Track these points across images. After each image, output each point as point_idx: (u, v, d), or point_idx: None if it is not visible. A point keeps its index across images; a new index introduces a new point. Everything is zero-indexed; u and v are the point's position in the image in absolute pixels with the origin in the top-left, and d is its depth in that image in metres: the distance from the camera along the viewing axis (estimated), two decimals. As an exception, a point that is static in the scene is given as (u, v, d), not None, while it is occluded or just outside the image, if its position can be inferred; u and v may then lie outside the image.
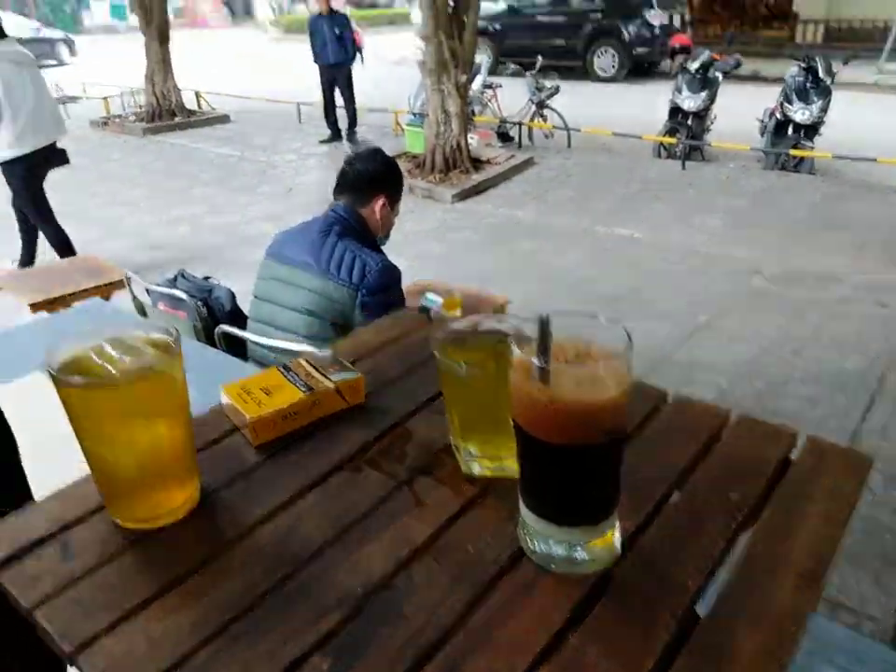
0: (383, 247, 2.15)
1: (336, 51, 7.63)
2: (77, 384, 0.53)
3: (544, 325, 0.49)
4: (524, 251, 4.94)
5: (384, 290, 1.91)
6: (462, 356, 0.61)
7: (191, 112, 9.66)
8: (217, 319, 2.23)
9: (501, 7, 16.43)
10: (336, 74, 7.80)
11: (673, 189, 6.07)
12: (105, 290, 3.19)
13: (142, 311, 2.48)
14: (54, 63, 18.48)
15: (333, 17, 7.64)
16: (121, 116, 9.70)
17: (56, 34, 19.47)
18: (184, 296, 2.27)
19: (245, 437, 0.70)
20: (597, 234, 5.25)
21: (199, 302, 2.24)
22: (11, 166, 4.02)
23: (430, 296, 2.51)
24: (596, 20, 12.71)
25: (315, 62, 7.83)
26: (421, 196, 6.22)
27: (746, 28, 16.72)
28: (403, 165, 6.82)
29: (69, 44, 19.54)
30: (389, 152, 6.81)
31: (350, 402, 0.75)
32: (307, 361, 0.77)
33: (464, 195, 6.16)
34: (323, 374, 0.75)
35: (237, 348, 2.06)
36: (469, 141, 6.79)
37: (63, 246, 4.39)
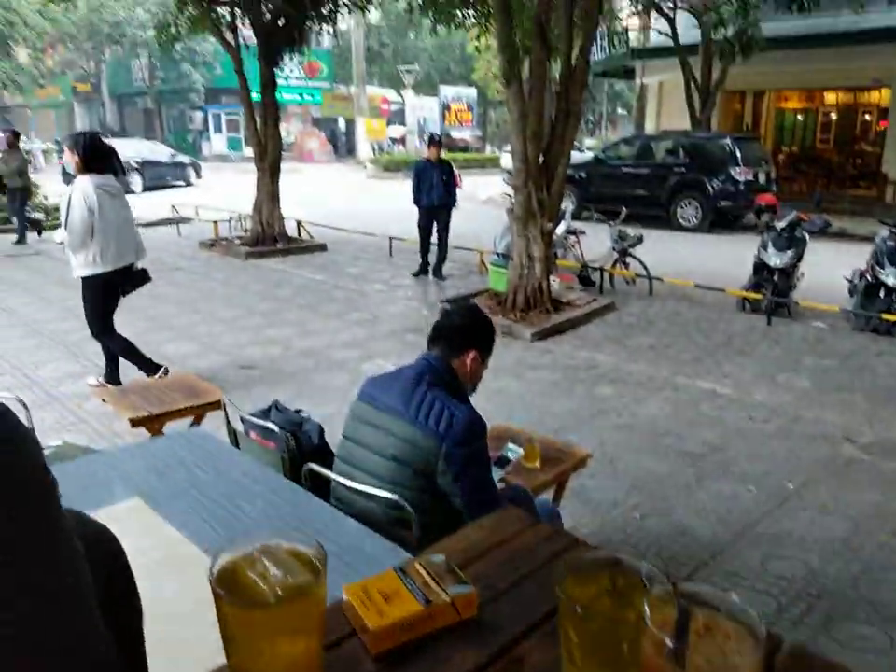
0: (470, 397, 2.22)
1: (441, 196, 8.14)
2: (234, 602, 0.58)
3: (684, 614, 0.50)
4: (602, 396, 4.92)
5: (468, 442, 1.95)
6: (583, 590, 0.62)
7: (292, 239, 10.43)
8: (304, 452, 2.33)
9: (587, 156, 17.37)
10: (437, 216, 8.28)
11: (758, 345, 6.00)
12: (201, 410, 3.36)
13: (234, 438, 2.60)
14: (182, 183, 21.00)
15: (441, 164, 8.23)
16: (227, 239, 10.56)
17: (185, 159, 22.12)
18: (275, 428, 2.38)
19: (363, 642, 0.73)
20: (678, 385, 5.19)
21: (289, 435, 2.34)
22: (90, 280, 4.42)
23: (511, 446, 2.54)
24: (680, 173, 13.20)
25: (417, 203, 8.28)
26: (501, 333, 6.35)
27: (832, 187, 16.94)
28: (485, 302, 7.09)
29: (196, 168, 22.18)
30: (473, 289, 7.13)
31: (463, 616, 0.78)
32: (422, 566, 0.80)
33: (543, 335, 6.27)
34: (439, 585, 0.78)
35: (322, 485, 2.13)
36: (551, 283, 7.00)
37: (112, 363, 4.70)
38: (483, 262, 8.60)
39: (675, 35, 14.99)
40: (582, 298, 7.19)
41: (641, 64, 19.06)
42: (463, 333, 2.17)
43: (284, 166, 10.48)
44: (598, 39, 18.25)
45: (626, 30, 17.78)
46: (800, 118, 19.80)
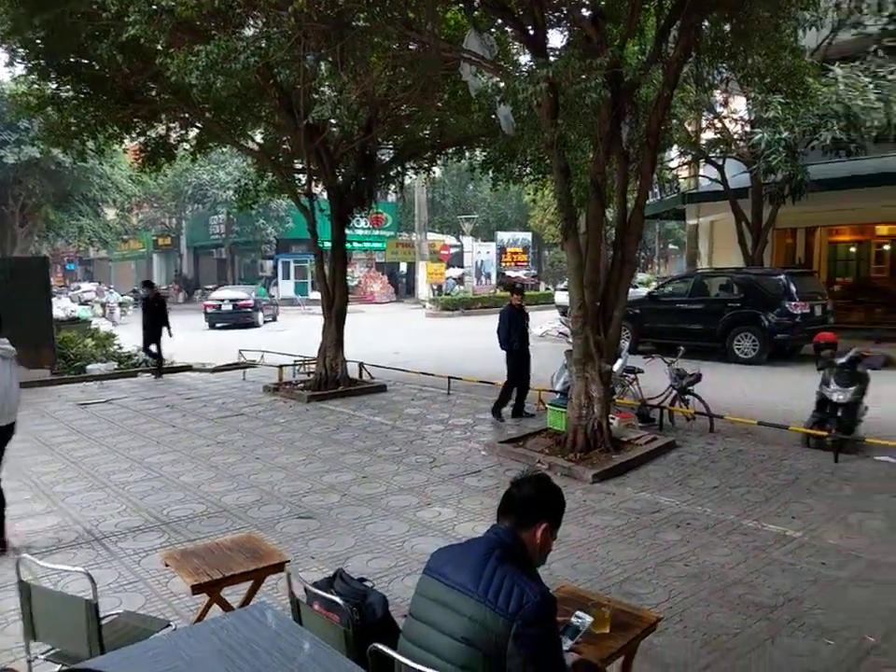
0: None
1: (523, 339, 8.57)
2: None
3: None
4: (667, 542, 4.83)
5: (540, 623, 1.91)
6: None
7: (353, 381, 10.81)
8: (368, 626, 2.30)
9: (641, 292, 17.77)
10: (524, 359, 8.60)
11: (826, 484, 5.84)
12: (263, 573, 3.35)
13: (297, 609, 2.56)
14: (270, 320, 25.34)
15: (522, 309, 8.70)
16: (291, 383, 11.01)
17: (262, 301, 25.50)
18: (339, 601, 2.35)
19: None
20: (747, 529, 5.06)
21: (353, 608, 2.32)
22: None
23: (580, 614, 2.53)
24: (735, 308, 13.35)
25: (509, 346, 8.55)
26: (560, 475, 6.38)
27: (891, 315, 16.69)
28: (544, 442, 7.17)
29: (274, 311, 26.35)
30: (532, 427, 7.24)
31: None
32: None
33: (604, 476, 6.25)
34: None
35: (388, 664, 2.07)
36: (611, 422, 7.06)
37: None
38: (542, 401, 8.75)
39: (724, 181, 15.68)
40: (643, 437, 7.18)
41: (692, 207, 19.81)
42: (534, 505, 2.14)
43: (347, 307, 11.04)
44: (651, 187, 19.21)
45: (677, 177, 18.66)
46: (853, 249, 19.92)
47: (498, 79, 6.91)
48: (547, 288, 33.52)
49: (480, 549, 2.06)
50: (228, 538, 3.97)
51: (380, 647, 2.08)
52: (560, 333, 9.28)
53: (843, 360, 7.05)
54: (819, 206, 15.03)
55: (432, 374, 11.03)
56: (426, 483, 6.18)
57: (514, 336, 8.47)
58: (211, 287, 33.69)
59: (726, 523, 5.19)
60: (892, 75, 12.31)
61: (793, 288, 12.82)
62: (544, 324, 19.52)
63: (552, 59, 6.53)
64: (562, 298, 20.91)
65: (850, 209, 16.36)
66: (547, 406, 7.81)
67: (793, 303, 12.67)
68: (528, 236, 36.43)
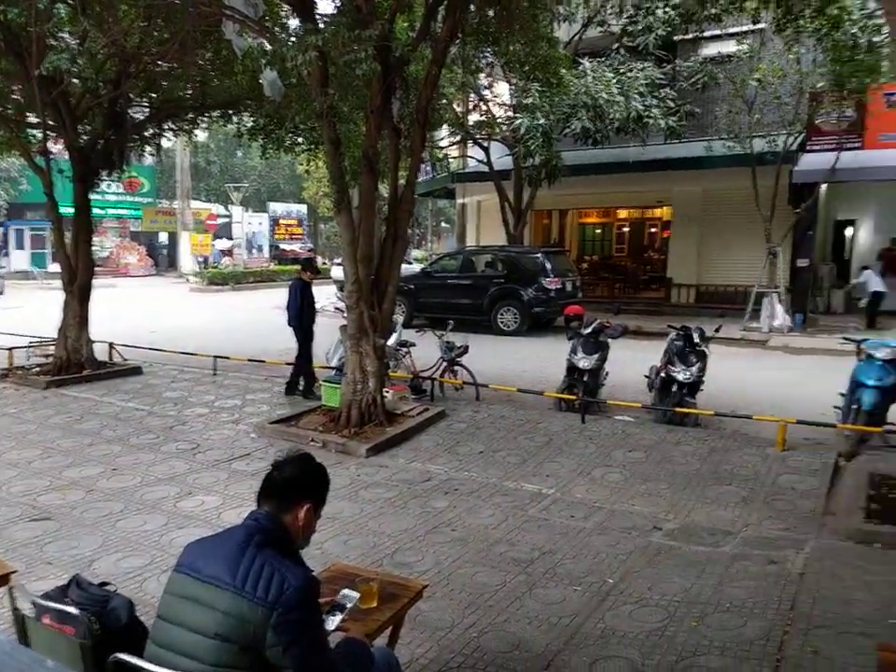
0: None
1: (313, 315, 8.40)
2: None
3: None
4: (436, 510, 4.99)
5: (300, 608, 1.85)
6: None
7: (101, 364, 9.64)
8: (111, 634, 2.05)
9: (415, 268, 18.29)
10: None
11: (575, 443, 6.45)
12: None
13: (22, 626, 2.21)
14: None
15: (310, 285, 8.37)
16: (24, 367, 9.58)
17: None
18: (73, 610, 2.07)
19: None
20: (508, 490, 5.42)
21: (91, 617, 2.04)
22: None
23: (346, 593, 2.49)
24: (499, 284, 14.29)
25: (296, 323, 8.23)
26: (335, 451, 6.32)
27: (628, 290, 19.10)
28: (318, 419, 7.04)
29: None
30: (306, 405, 6.99)
31: None
32: None
33: (378, 449, 6.30)
34: None
35: None
36: (385, 395, 7.13)
37: None
38: (316, 378, 8.58)
39: (489, 162, 16.57)
40: (416, 408, 7.36)
41: (461, 186, 20.73)
42: (296, 486, 2.08)
43: (96, 281, 9.84)
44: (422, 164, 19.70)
45: (447, 156, 19.37)
46: (598, 231, 22.36)
47: (265, 42, 6.52)
48: (324, 263, 33.10)
49: (237, 537, 1.95)
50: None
51: (121, 656, 1.89)
52: (336, 308, 9.16)
53: (588, 330, 7.83)
54: (571, 190, 16.59)
55: (195, 354, 10.29)
56: (188, 472, 5.74)
57: (306, 312, 8.21)
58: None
59: (490, 486, 5.50)
60: (632, 72, 13.86)
61: (549, 266, 14.02)
62: (320, 299, 19.22)
63: (321, 26, 6.30)
64: (338, 273, 20.77)
65: (596, 194, 18.30)
66: (321, 382, 7.67)
67: (549, 280, 13.87)
68: (303, 208, 35.55)
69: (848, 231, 18.71)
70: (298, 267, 10.32)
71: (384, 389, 7.11)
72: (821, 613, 3.42)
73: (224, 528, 2.13)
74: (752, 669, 3.03)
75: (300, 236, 34.52)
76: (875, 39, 10.77)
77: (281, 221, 33.12)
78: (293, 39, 5.91)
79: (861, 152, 13.81)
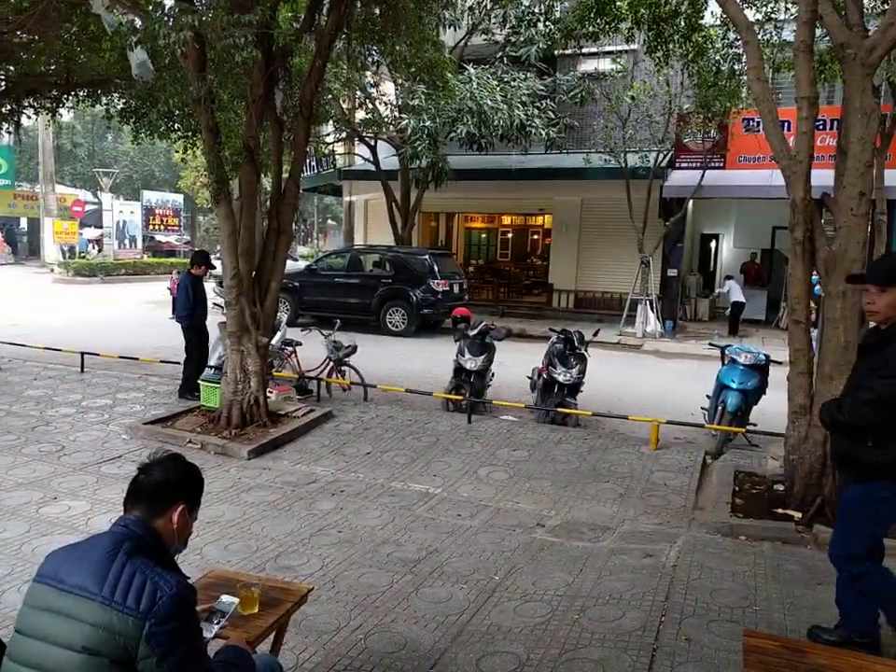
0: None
1: (205, 312, 8.02)
2: None
3: None
4: (323, 511, 4.87)
5: (175, 617, 1.76)
6: None
7: (-52, 360, 8.76)
8: None
9: (301, 265, 17.86)
10: (204, 335, 7.97)
11: (462, 443, 6.51)
12: None
13: None
14: None
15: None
16: None
17: None
18: None
19: None
20: (395, 490, 5.37)
21: None
22: None
23: (224, 599, 2.37)
24: (388, 284, 14.23)
25: (187, 319, 7.82)
26: (214, 453, 6.03)
27: (512, 294, 19.62)
28: (196, 420, 6.70)
29: None
30: (183, 405, 6.64)
31: None
32: None
33: (260, 451, 6.07)
34: None
35: None
36: (268, 395, 6.88)
37: None
38: (194, 377, 8.15)
39: (376, 161, 16.45)
40: (301, 409, 7.16)
41: (348, 184, 20.47)
42: (167, 488, 1.98)
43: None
44: (307, 158, 19.28)
45: (333, 152, 19.05)
46: (484, 236, 22.82)
47: (135, 18, 6.12)
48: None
49: (105, 545, 1.83)
50: None
51: None
52: (215, 304, 8.74)
53: (474, 332, 7.94)
54: (458, 194, 16.81)
55: (61, 350, 9.50)
56: (52, 475, 5.29)
57: (198, 309, 7.78)
58: None
59: (377, 486, 5.44)
60: (515, 81, 14.24)
61: (436, 268, 14.12)
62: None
63: (199, 7, 6.00)
64: (220, 268, 19.92)
65: (482, 199, 18.65)
66: (199, 382, 7.29)
67: (437, 281, 13.97)
68: (180, 198, 33.69)
69: (713, 244, 20.21)
70: (173, 260, 9.75)
71: (267, 389, 6.87)
72: (693, 603, 3.63)
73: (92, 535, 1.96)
74: (630, 659, 3.16)
75: (176, 227, 32.71)
76: (735, 67, 11.68)
77: (156, 211, 31.19)
78: (167, 17, 5.59)
79: (723, 171, 14.95)
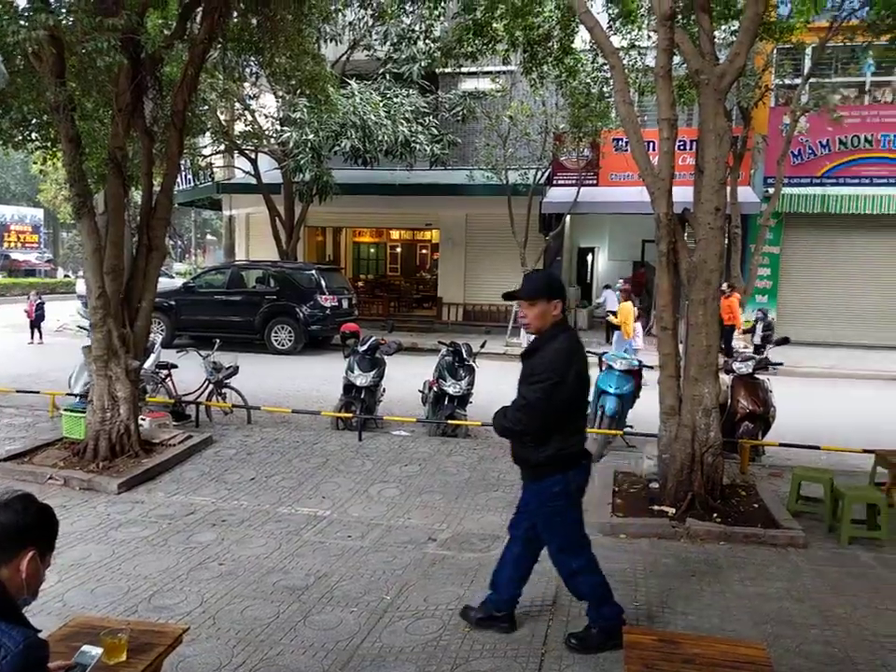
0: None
1: None
2: None
3: None
4: (202, 544, 4.60)
5: None
6: None
7: None
8: None
9: (178, 283, 17.07)
10: None
11: (352, 462, 6.38)
12: None
13: None
14: None
15: None
16: None
17: None
18: None
19: None
20: (281, 516, 5.17)
21: None
22: None
23: (86, 649, 2.16)
24: (272, 300, 13.83)
25: None
26: (79, 489, 5.57)
27: (402, 308, 19.66)
28: (58, 454, 6.19)
29: None
30: (42, 440, 6.12)
31: None
32: None
33: (132, 483, 5.67)
34: None
35: None
36: (140, 423, 6.46)
37: None
38: (56, 406, 7.53)
39: (258, 175, 16.03)
40: (177, 435, 6.76)
41: (228, 198, 19.82)
42: (15, 532, 1.79)
43: None
44: (182, 171, 18.49)
45: (211, 165, 18.39)
46: (372, 250, 22.77)
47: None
48: (66, 275, 29.52)
49: None
50: None
51: None
52: (80, 327, 8.14)
53: (364, 348, 7.84)
54: (344, 209, 16.69)
55: None
56: None
57: None
58: None
59: (262, 513, 5.22)
60: (398, 98, 14.34)
61: (324, 283, 13.91)
62: (62, 316, 17.15)
63: (55, 7, 5.61)
64: (84, 287, 18.73)
65: (369, 213, 18.60)
66: (62, 411, 6.74)
67: (324, 297, 13.75)
68: (39, 213, 31.35)
69: (590, 257, 21.18)
70: (32, 280, 9.03)
71: (139, 416, 6.45)
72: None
73: None
74: (520, 667, 3.19)
75: (35, 245, 30.36)
76: (604, 90, 12.36)
77: (12, 227, 28.86)
78: (19, 16, 5.19)
79: (597, 188, 15.73)
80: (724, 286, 13.61)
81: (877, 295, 15.25)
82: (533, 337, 3.34)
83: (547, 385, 3.09)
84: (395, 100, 14.25)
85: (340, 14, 11.33)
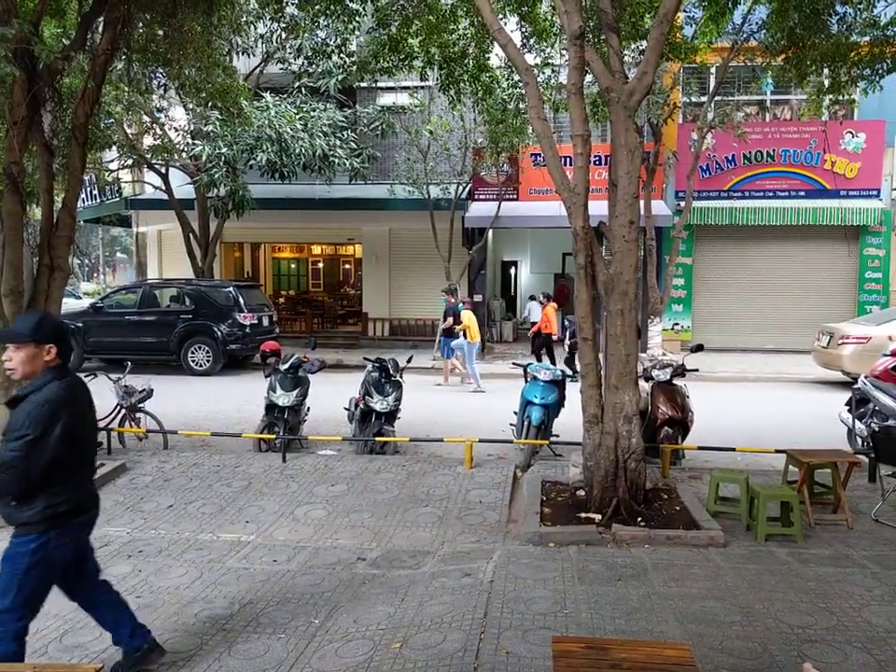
0: None
1: None
2: None
3: None
4: (117, 577, 4.32)
5: None
6: None
7: None
8: None
9: (84, 304, 16.23)
10: None
11: (276, 484, 6.20)
12: None
13: None
14: None
15: None
16: None
17: None
18: None
19: None
20: (202, 543, 4.96)
21: None
22: None
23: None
24: (188, 320, 13.34)
25: None
26: (-21, 526, 5.17)
27: (326, 325, 19.36)
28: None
29: None
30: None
31: None
32: None
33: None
34: None
35: None
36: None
37: None
38: None
39: (169, 190, 15.47)
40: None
41: (137, 214, 19.06)
42: None
43: None
44: (87, 186, 17.66)
45: (118, 180, 17.65)
46: (294, 266, 22.35)
47: None
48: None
49: None
50: None
51: None
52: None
53: (286, 366, 7.65)
54: (263, 224, 16.32)
55: None
56: None
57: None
58: None
59: (181, 541, 4.99)
60: (315, 111, 14.20)
61: (242, 300, 13.52)
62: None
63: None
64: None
65: (289, 228, 18.28)
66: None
67: (243, 315, 13.37)
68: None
69: (513, 270, 21.54)
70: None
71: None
72: (509, 615, 3.72)
73: None
74: (454, 682, 3.15)
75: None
76: (520, 106, 12.62)
77: None
78: None
79: (517, 202, 16.02)
80: (541, 296, 14.32)
81: (783, 302, 16.14)
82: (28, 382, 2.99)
83: (24, 443, 2.80)
84: (311, 113, 14.09)
85: (251, 26, 11.10)
